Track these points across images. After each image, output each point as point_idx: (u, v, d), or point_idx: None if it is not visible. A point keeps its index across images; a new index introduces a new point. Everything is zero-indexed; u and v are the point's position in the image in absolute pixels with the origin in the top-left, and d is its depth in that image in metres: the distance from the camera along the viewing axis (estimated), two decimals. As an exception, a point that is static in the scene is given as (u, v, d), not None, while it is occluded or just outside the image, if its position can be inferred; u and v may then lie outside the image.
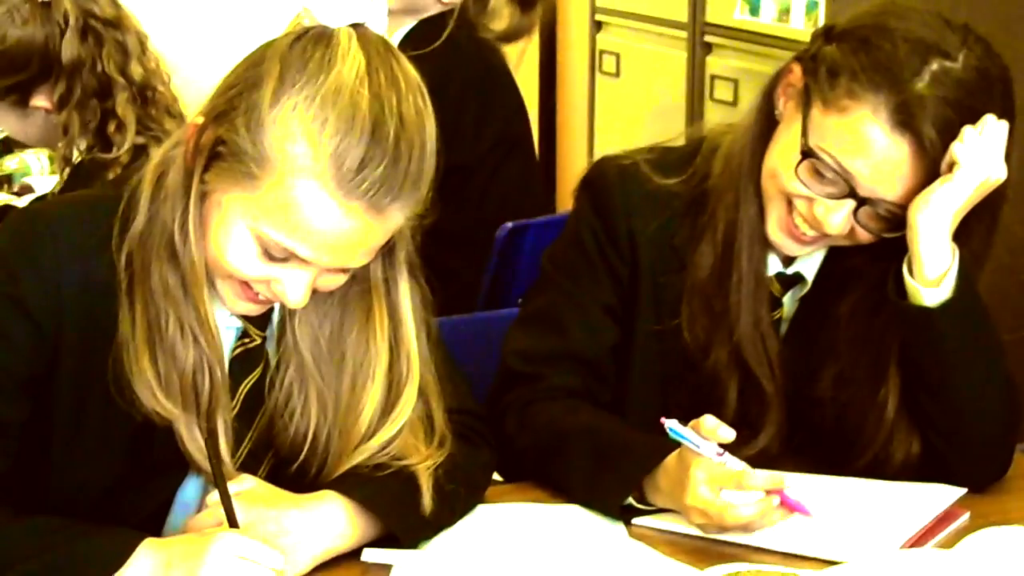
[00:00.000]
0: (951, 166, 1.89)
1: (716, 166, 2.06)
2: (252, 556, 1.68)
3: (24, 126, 2.75)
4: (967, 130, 1.89)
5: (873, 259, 2.02)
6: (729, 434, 1.86)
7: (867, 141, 1.89)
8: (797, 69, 1.98)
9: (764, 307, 2.05)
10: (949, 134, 1.89)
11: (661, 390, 2.10)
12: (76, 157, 2.66)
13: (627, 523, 1.94)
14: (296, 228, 1.69)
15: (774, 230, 2.01)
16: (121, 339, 1.77)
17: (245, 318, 1.85)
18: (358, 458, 1.85)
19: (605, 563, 1.83)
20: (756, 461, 1.90)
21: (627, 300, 2.10)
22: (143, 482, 1.85)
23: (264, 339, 1.88)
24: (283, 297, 1.75)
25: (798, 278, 2.09)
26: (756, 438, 2.04)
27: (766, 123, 2.02)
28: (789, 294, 2.10)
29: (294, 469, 1.87)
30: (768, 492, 1.85)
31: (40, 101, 2.68)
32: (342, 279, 1.79)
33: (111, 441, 1.82)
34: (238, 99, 1.71)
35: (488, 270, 3.26)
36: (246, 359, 1.86)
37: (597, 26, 5.12)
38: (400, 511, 1.83)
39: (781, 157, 1.98)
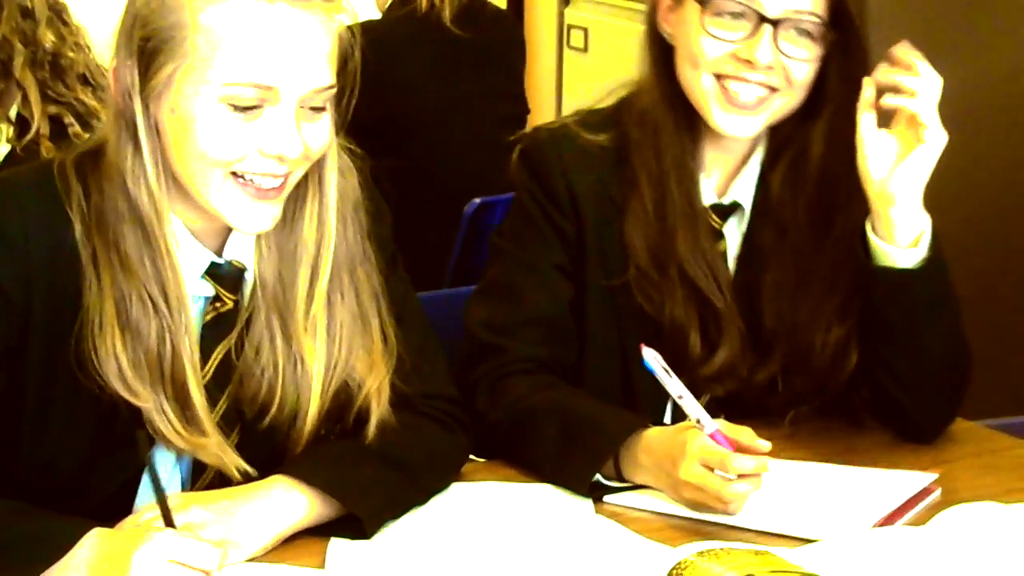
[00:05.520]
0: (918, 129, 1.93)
1: (635, 115, 2.11)
2: (183, 557, 1.63)
3: None
4: (921, 87, 1.92)
5: (806, 206, 2.09)
6: (765, 445, 1.85)
7: None
8: None
9: (706, 238, 2.09)
10: None
11: (620, 348, 2.12)
12: (1, 142, 2.65)
13: (597, 500, 1.93)
14: (242, 54, 1.70)
15: (719, 115, 2.05)
16: (87, 316, 1.75)
17: (217, 282, 1.83)
18: (317, 401, 1.84)
19: (576, 542, 1.82)
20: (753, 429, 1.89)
21: (576, 256, 2.13)
22: (111, 455, 1.82)
23: (236, 303, 1.85)
24: (279, 148, 1.72)
25: (735, 207, 2.13)
26: (713, 357, 2.08)
27: (661, 52, 2.09)
28: (729, 224, 2.13)
29: (266, 424, 1.84)
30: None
31: None
32: (324, 125, 1.77)
33: (79, 415, 1.80)
34: (130, 18, 1.74)
35: (455, 246, 3.25)
36: (219, 323, 1.84)
37: (565, 1, 5.10)
38: (358, 490, 1.82)
39: (688, 45, 2.04)
